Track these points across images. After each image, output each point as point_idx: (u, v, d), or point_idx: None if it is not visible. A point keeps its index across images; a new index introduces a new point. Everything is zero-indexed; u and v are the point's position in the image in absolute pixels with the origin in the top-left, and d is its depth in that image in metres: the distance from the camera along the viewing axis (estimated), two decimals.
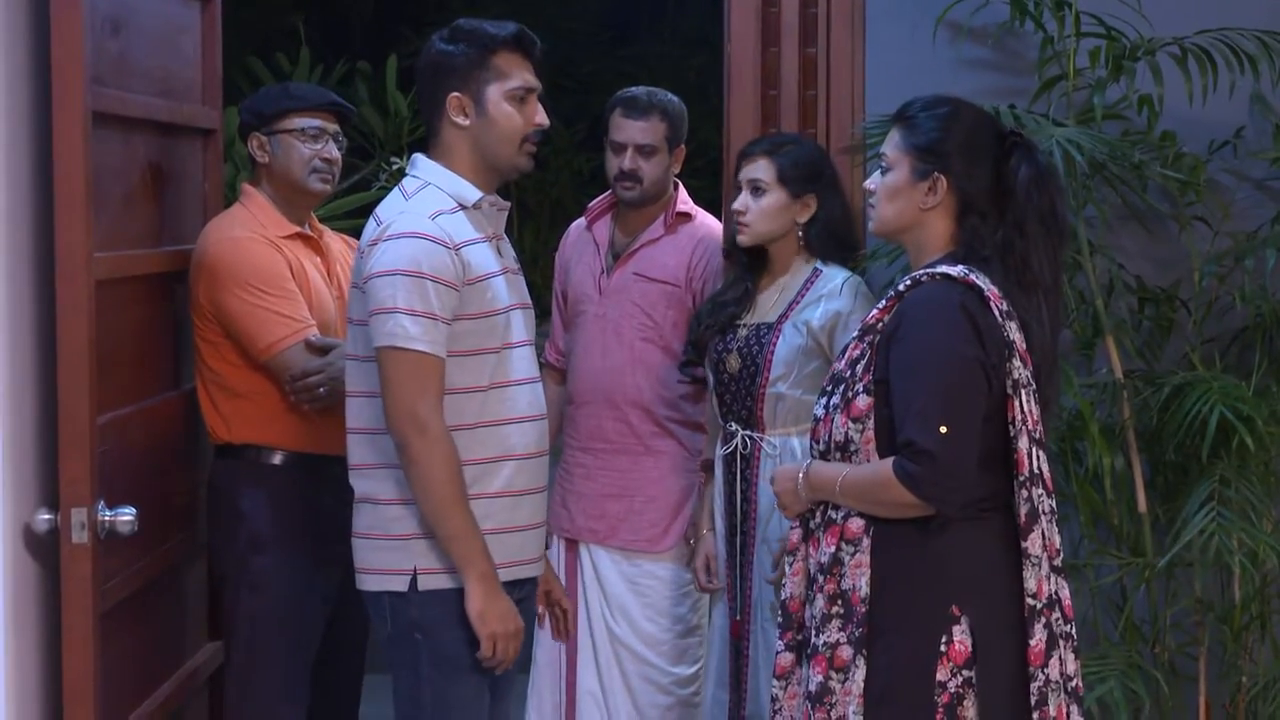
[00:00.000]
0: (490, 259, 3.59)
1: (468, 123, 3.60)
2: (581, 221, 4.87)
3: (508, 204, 3.72)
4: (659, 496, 4.61)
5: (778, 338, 4.19)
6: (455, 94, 3.59)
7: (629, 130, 4.63)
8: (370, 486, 3.57)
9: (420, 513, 3.48)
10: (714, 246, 4.65)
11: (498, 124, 3.60)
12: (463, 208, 3.58)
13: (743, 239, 4.25)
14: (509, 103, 3.60)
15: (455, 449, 3.46)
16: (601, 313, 4.66)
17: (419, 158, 3.66)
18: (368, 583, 3.59)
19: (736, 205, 4.25)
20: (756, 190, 4.23)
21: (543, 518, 3.70)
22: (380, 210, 3.59)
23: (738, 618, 4.24)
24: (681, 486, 4.61)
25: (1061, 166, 3.81)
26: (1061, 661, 3.25)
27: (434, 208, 3.54)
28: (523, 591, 3.67)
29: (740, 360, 4.23)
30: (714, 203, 5.07)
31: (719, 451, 4.30)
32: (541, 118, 3.65)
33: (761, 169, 4.23)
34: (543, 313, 4.22)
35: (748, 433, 4.22)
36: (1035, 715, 3.20)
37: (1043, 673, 3.21)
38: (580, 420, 4.69)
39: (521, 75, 3.62)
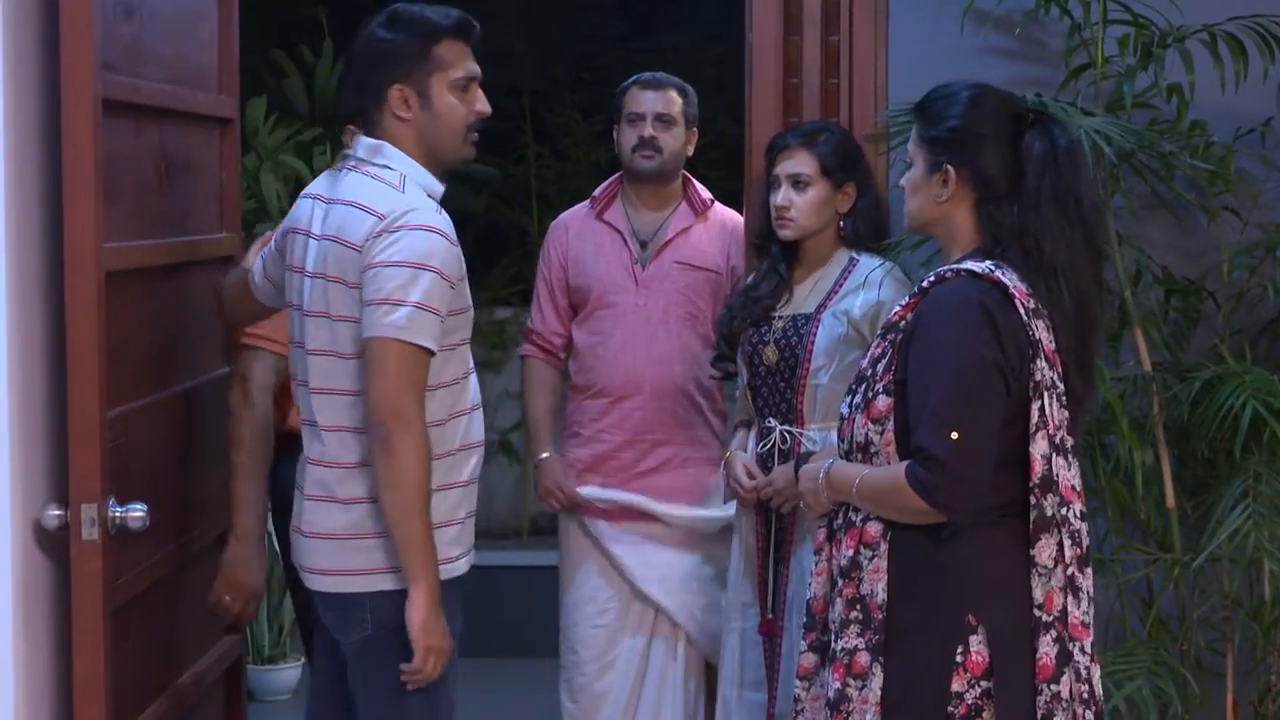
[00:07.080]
0: None
1: (410, 115, 3.48)
2: (580, 212, 4.81)
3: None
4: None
5: (817, 327, 4.11)
6: (398, 86, 3.47)
7: (648, 101, 4.67)
8: (354, 485, 3.45)
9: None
10: (741, 234, 4.64)
11: (443, 116, 3.49)
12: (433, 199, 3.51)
13: (787, 234, 4.16)
14: (453, 93, 3.49)
15: (430, 450, 3.38)
16: (642, 302, 4.61)
17: (386, 146, 3.50)
18: (347, 584, 3.47)
19: (779, 200, 4.15)
20: (799, 184, 4.14)
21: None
22: (371, 201, 3.41)
23: (770, 615, 4.17)
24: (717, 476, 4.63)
25: (1090, 156, 3.75)
26: (1072, 680, 3.14)
27: (432, 202, 3.47)
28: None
29: (778, 352, 4.14)
30: (732, 194, 5.02)
31: (754, 448, 4.22)
32: (483, 105, 3.54)
33: (803, 162, 4.15)
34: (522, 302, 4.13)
35: (786, 428, 4.13)
36: None
37: (1050, 688, 3.11)
38: (617, 413, 4.64)
39: (465, 64, 3.51)
